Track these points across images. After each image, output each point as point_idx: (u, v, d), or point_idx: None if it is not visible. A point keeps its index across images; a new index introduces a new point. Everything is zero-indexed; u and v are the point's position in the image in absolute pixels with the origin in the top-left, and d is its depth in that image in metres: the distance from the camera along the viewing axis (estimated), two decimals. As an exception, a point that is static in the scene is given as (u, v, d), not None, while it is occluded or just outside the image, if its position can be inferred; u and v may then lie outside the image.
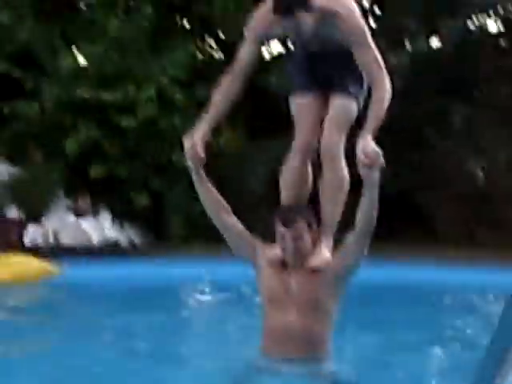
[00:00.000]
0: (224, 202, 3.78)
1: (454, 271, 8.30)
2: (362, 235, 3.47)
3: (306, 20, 3.53)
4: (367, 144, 3.26)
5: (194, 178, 3.71)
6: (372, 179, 3.33)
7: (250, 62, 3.69)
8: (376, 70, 3.53)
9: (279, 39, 9.75)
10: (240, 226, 3.79)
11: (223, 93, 3.74)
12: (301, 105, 3.91)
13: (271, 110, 9.48)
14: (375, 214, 3.41)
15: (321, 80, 3.88)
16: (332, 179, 3.75)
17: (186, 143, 3.63)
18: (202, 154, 3.62)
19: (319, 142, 3.80)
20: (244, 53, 3.69)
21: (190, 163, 3.65)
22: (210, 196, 3.79)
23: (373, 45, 3.57)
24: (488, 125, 10.73)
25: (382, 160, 3.26)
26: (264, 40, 3.90)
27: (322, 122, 3.82)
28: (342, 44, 3.71)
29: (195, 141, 3.60)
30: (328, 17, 3.58)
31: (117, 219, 10.11)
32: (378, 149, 3.23)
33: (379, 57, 3.54)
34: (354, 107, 3.77)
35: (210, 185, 3.72)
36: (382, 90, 3.47)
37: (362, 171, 3.28)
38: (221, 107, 3.72)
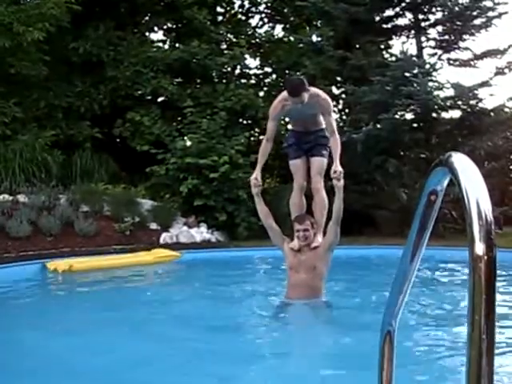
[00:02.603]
0: (269, 213, 4.69)
1: (387, 250, 8.57)
2: (335, 222, 4.30)
3: (305, 97, 4.33)
4: (336, 166, 4.24)
5: (255, 198, 4.59)
6: (339, 186, 4.19)
7: (274, 130, 4.67)
8: (332, 128, 4.56)
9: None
10: (277, 227, 4.71)
11: (264, 149, 4.71)
12: (295, 164, 4.90)
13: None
14: (342, 208, 4.25)
15: (304, 149, 4.84)
16: (319, 200, 4.72)
17: (251, 177, 4.58)
18: (260, 183, 4.53)
19: (308, 182, 4.76)
20: (270, 125, 4.69)
21: (253, 189, 4.52)
22: (262, 208, 4.70)
23: (333, 115, 4.51)
24: (407, 170, 12.61)
25: (342, 176, 4.12)
26: (279, 118, 4.76)
27: (306, 171, 4.81)
28: (317, 120, 4.54)
29: (256, 175, 4.58)
30: (315, 97, 4.54)
31: (209, 228, 11.77)
32: (341, 169, 4.19)
33: (335, 123, 4.62)
34: (325, 161, 4.76)
35: (263, 202, 4.66)
36: (335, 140, 4.49)
37: (334, 182, 4.18)
38: (264, 157, 4.69)
